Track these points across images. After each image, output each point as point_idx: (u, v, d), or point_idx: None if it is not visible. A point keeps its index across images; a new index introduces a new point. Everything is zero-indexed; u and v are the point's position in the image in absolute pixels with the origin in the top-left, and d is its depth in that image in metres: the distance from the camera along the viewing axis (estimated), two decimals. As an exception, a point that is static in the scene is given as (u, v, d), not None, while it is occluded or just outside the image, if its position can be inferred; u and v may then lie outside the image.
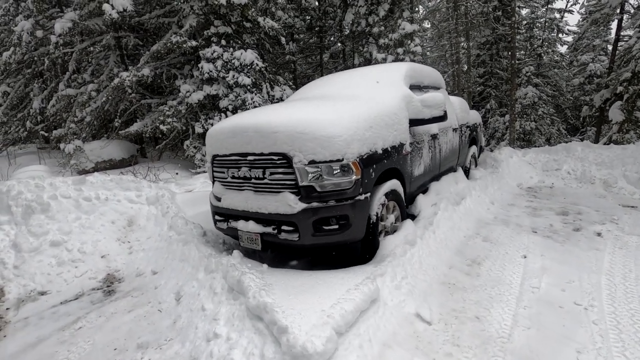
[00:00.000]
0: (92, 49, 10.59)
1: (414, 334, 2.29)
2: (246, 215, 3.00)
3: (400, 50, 10.47)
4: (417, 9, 14.30)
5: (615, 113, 10.73)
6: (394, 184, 3.27)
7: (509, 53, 14.87)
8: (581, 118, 16.60)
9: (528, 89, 17.55)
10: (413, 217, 3.84)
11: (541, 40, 19.84)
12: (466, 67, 17.69)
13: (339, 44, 15.67)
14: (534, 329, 2.30)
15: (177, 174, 8.52)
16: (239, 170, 3.00)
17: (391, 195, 3.22)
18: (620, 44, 13.48)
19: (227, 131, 3.07)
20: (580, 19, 22.67)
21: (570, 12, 21.03)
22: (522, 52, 19.48)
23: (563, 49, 23.14)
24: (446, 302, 2.63)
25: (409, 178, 3.66)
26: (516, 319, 2.40)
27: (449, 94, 5.52)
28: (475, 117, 6.55)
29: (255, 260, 3.07)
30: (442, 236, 3.57)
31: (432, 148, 4.22)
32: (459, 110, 5.53)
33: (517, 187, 6.23)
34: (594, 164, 6.56)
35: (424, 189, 4.37)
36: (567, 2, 20.41)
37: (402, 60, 10.33)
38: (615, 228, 3.97)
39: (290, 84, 11.22)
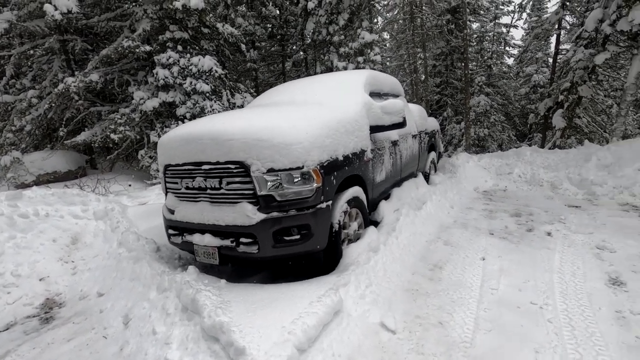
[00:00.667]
0: (33, 52, 9.79)
1: (379, 344, 2.23)
2: (202, 228, 2.82)
3: (360, 58, 10.67)
4: (375, 20, 14.73)
5: (558, 120, 11.60)
6: (356, 190, 3.23)
7: (462, 64, 15.68)
8: (528, 125, 17.83)
9: (481, 98, 18.60)
10: (376, 224, 3.83)
11: (490, 53, 21.18)
12: (423, 76, 18.43)
13: (301, 53, 15.72)
14: (495, 331, 2.32)
15: (129, 185, 8.01)
16: (194, 181, 2.83)
17: (353, 202, 3.18)
18: (559, 56, 14.68)
19: (180, 139, 2.89)
20: (524, 34, 24.52)
21: (515, 27, 22.75)
22: (474, 63, 20.66)
23: (510, 61, 24.89)
24: (410, 309, 2.60)
25: (371, 184, 3.65)
26: (477, 322, 2.42)
27: (407, 102, 5.64)
28: (433, 124, 6.76)
29: (214, 276, 2.88)
30: (405, 242, 3.57)
31: (392, 154, 4.26)
32: (418, 117, 5.67)
33: (474, 190, 6.48)
34: (542, 167, 6.99)
35: (386, 195, 4.39)
36: (512, 18, 21.98)
37: (363, 68, 10.52)
38: (563, 227, 4.19)
39: (252, 91, 11.04)
